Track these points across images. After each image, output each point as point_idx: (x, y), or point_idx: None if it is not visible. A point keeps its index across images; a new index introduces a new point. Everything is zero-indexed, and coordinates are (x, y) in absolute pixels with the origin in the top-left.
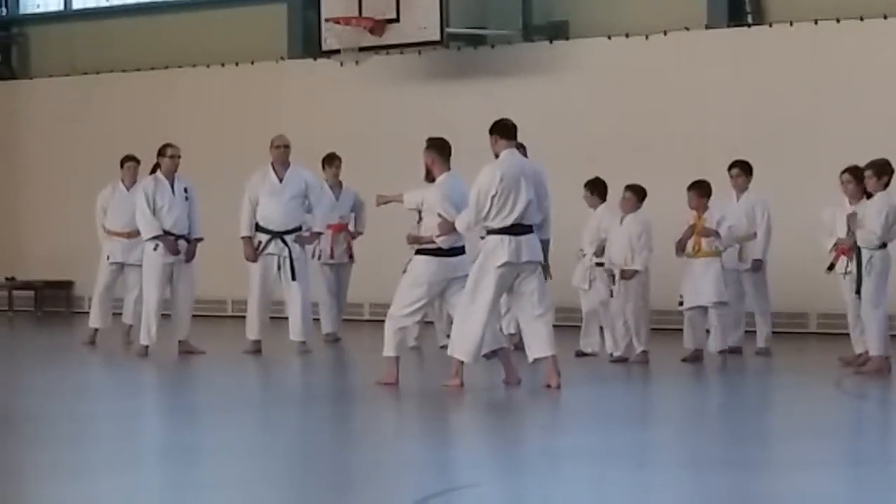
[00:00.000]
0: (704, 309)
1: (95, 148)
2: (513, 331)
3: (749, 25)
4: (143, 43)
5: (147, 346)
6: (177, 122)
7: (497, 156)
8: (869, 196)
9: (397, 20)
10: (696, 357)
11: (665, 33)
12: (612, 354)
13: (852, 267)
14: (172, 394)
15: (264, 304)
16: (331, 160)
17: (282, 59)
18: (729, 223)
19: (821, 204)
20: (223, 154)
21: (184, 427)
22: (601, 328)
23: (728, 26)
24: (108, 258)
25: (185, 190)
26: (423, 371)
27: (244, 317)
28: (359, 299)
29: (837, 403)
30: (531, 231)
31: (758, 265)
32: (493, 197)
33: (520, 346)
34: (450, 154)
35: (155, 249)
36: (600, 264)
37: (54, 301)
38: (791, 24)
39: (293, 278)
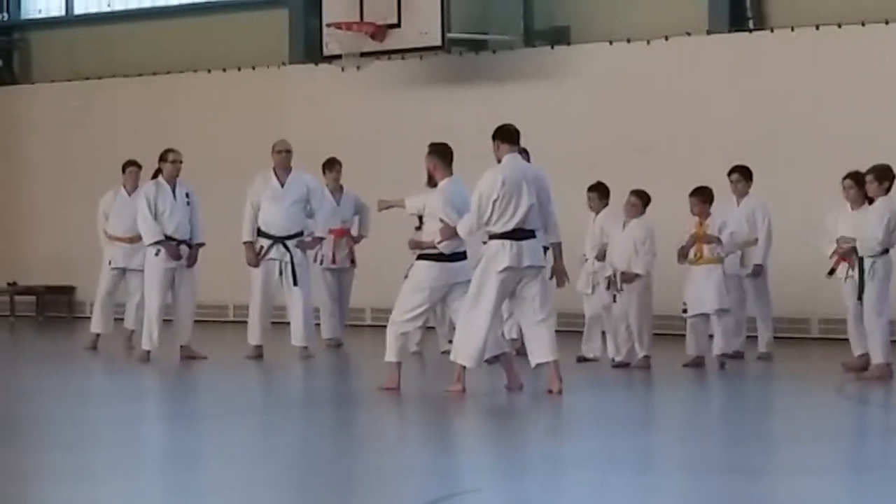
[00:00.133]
0: (707, 316)
1: (97, 153)
2: (514, 336)
3: (750, 31)
4: (145, 48)
5: (149, 352)
6: (178, 127)
7: (500, 161)
8: (871, 201)
9: (399, 25)
10: (697, 363)
11: (666, 38)
12: (613, 359)
13: (854, 272)
14: (174, 399)
15: (266, 309)
16: (331, 165)
17: (283, 64)
18: (731, 229)
19: (822, 209)
20: (224, 159)
21: (185, 432)
22: (603, 333)
23: (729, 31)
24: (109, 263)
25: (187, 195)
26: (424, 376)
27: (246, 322)
28: (360, 304)
29: (839, 409)
30: (533, 236)
31: (759, 270)
32: (495, 202)
33: (522, 352)
34: (452, 159)
35: (157, 255)
36: (608, 277)
37: (56, 306)
38: (792, 29)
39: (295, 283)
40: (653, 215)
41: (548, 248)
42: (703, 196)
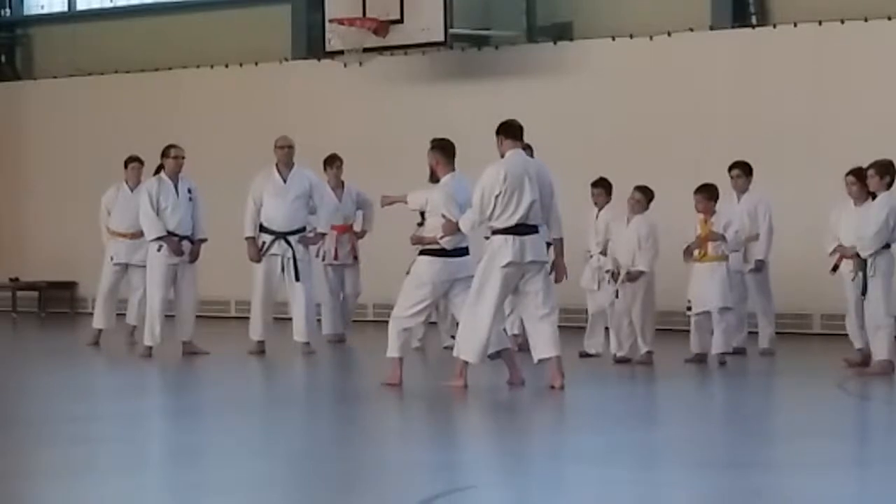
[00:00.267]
0: (710, 313)
1: (99, 149)
2: (517, 332)
3: (753, 26)
4: (147, 44)
5: (151, 347)
6: (180, 122)
7: (503, 156)
8: (873, 196)
9: (401, 21)
10: (699, 360)
11: (669, 34)
12: (615, 355)
13: (858, 271)
14: (176, 395)
15: (268, 304)
16: (332, 161)
17: (286, 60)
18: (735, 228)
19: (825, 205)
20: (227, 155)
21: (187, 428)
22: (606, 329)
23: (732, 27)
24: (111, 259)
25: (189, 191)
26: (426, 372)
27: (248, 317)
28: (363, 300)
29: (841, 404)
30: (536, 231)
31: (761, 265)
32: (497, 196)
33: (524, 347)
34: (454, 155)
35: (159, 250)
36: (609, 272)
37: (58, 302)
38: (795, 25)
39: (297, 279)
40: (655, 211)
41: (549, 244)
42: (707, 193)
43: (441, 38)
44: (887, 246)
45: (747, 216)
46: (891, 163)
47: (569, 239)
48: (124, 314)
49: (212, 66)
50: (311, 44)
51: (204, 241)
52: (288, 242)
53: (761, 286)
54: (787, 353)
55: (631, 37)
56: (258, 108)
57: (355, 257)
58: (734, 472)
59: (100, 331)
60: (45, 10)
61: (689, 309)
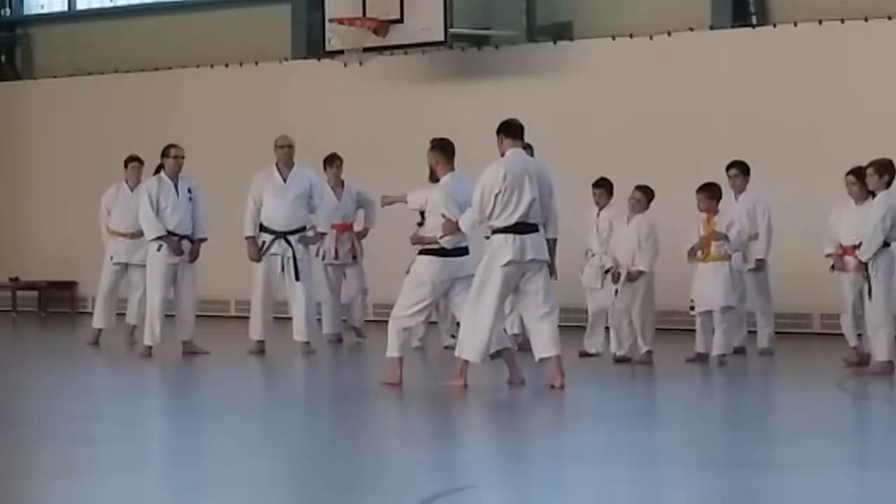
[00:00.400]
0: (712, 313)
1: (99, 148)
2: (517, 331)
3: (753, 26)
4: (147, 43)
5: (151, 347)
6: (180, 122)
7: (503, 155)
8: (873, 195)
9: (401, 21)
10: (701, 359)
11: (669, 34)
12: (615, 354)
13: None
14: (176, 394)
15: (268, 304)
16: (331, 160)
17: (286, 59)
18: (737, 227)
19: (824, 204)
20: (227, 154)
21: (187, 427)
22: (606, 328)
23: (732, 27)
24: (111, 258)
25: (189, 190)
26: (426, 372)
27: (248, 317)
28: None
29: (840, 404)
30: (536, 230)
31: (761, 265)
32: (497, 195)
33: (524, 347)
34: (453, 154)
35: (159, 250)
36: (608, 271)
37: (58, 301)
38: (795, 24)
39: (297, 278)
40: (656, 210)
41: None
42: (710, 192)
43: (441, 37)
44: (887, 245)
45: (746, 215)
46: (890, 162)
47: (568, 238)
48: (124, 314)
49: (212, 66)
50: (311, 43)
51: (204, 240)
52: (288, 242)
53: (761, 286)
54: (787, 352)
55: (631, 36)
56: (258, 107)
57: (354, 256)
58: (734, 472)
59: (100, 330)
60: (45, 10)
61: (692, 309)
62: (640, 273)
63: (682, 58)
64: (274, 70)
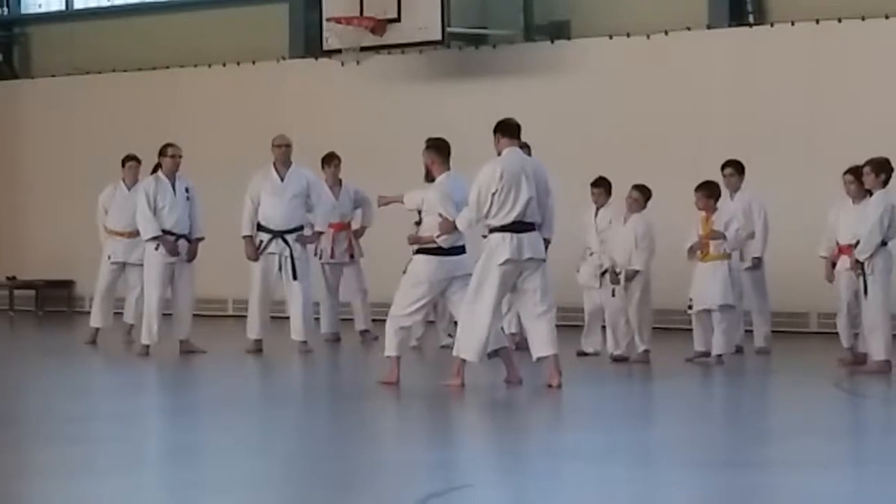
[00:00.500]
0: (711, 311)
1: (96, 147)
2: (514, 330)
3: (750, 25)
4: (145, 43)
5: (148, 346)
6: (178, 121)
7: (500, 154)
8: (870, 194)
9: (398, 20)
10: (703, 356)
11: (666, 33)
12: (612, 354)
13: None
14: (173, 393)
15: (265, 303)
16: (329, 160)
17: (283, 58)
18: (736, 226)
19: (822, 203)
20: (224, 154)
21: (185, 426)
22: (603, 328)
23: (729, 26)
24: (109, 258)
25: (187, 190)
26: (424, 371)
27: (245, 316)
28: None
29: (837, 403)
30: (533, 228)
31: (758, 263)
32: (494, 194)
33: (521, 346)
34: (449, 154)
35: (156, 249)
36: (604, 272)
37: (55, 301)
38: (792, 23)
39: (294, 278)
40: (653, 210)
41: None
42: (708, 191)
43: (438, 36)
44: (884, 244)
45: (742, 214)
46: (886, 161)
47: (566, 237)
48: (122, 313)
49: (209, 65)
50: (309, 42)
51: (201, 239)
52: (285, 241)
53: (757, 284)
54: (784, 351)
55: (628, 35)
56: (255, 106)
57: (351, 255)
58: (731, 471)
59: (97, 329)
60: (43, 9)
61: (690, 308)
62: (636, 273)
63: (680, 57)
64: (271, 69)
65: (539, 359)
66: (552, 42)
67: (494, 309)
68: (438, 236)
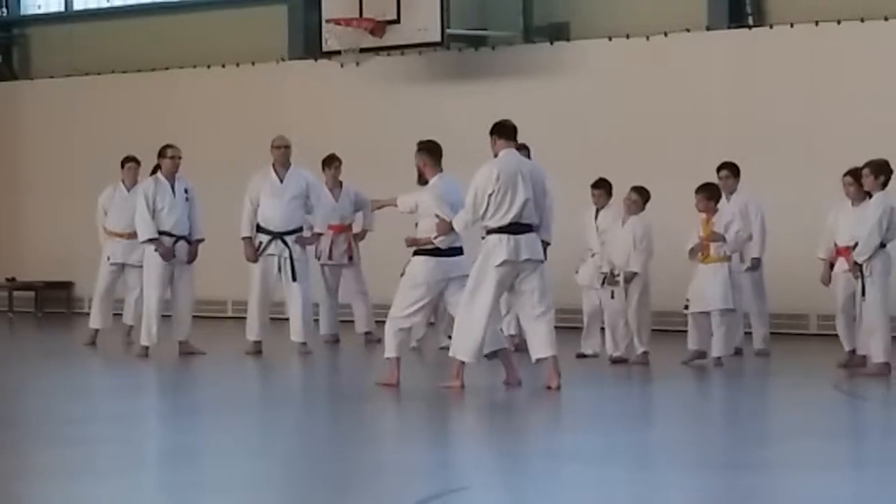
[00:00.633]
0: (708, 313)
1: (96, 149)
2: (513, 332)
3: (750, 27)
4: (144, 44)
5: (147, 347)
6: (177, 123)
7: (496, 156)
8: (870, 196)
9: (398, 21)
10: (697, 356)
11: (666, 35)
12: (611, 355)
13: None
14: (173, 395)
15: (265, 304)
16: (330, 161)
17: (282, 60)
18: (736, 228)
19: (821, 205)
20: (224, 155)
21: (184, 428)
22: (602, 329)
23: (729, 28)
24: (108, 259)
25: (186, 191)
26: (423, 372)
27: (244, 317)
28: None
29: (837, 405)
30: (531, 230)
31: (756, 264)
32: (491, 195)
33: (521, 347)
34: (441, 156)
35: (156, 250)
36: (605, 274)
37: (54, 302)
38: (792, 25)
39: (294, 279)
40: (651, 211)
41: None
42: (708, 193)
43: (438, 38)
44: (883, 246)
45: (739, 216)
46: (885, 162)
47: (565, 238)
48: (121, 314)
49: (208, 66)
50: (308, 44)
51: (201, 241)
52: (285, 242)
53: (756, 286)
54: (783, 353)
55: (627, 37)
56: (255, 108)
57: (350, 257)
58: (730, 473)
59: (96, 331)
60: (42, 10)
61: (686, 307)
62: (634, 275)
63: (679, 58)
64: (270, 70)
65: (538, 360)
66: (551, 43)
67: (491, 310)
68: (436, 237)
